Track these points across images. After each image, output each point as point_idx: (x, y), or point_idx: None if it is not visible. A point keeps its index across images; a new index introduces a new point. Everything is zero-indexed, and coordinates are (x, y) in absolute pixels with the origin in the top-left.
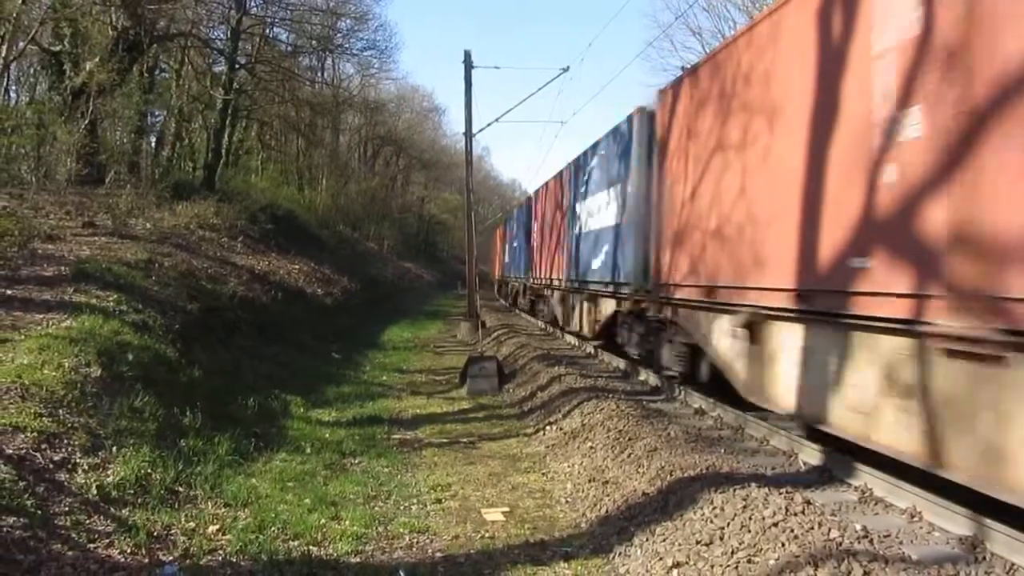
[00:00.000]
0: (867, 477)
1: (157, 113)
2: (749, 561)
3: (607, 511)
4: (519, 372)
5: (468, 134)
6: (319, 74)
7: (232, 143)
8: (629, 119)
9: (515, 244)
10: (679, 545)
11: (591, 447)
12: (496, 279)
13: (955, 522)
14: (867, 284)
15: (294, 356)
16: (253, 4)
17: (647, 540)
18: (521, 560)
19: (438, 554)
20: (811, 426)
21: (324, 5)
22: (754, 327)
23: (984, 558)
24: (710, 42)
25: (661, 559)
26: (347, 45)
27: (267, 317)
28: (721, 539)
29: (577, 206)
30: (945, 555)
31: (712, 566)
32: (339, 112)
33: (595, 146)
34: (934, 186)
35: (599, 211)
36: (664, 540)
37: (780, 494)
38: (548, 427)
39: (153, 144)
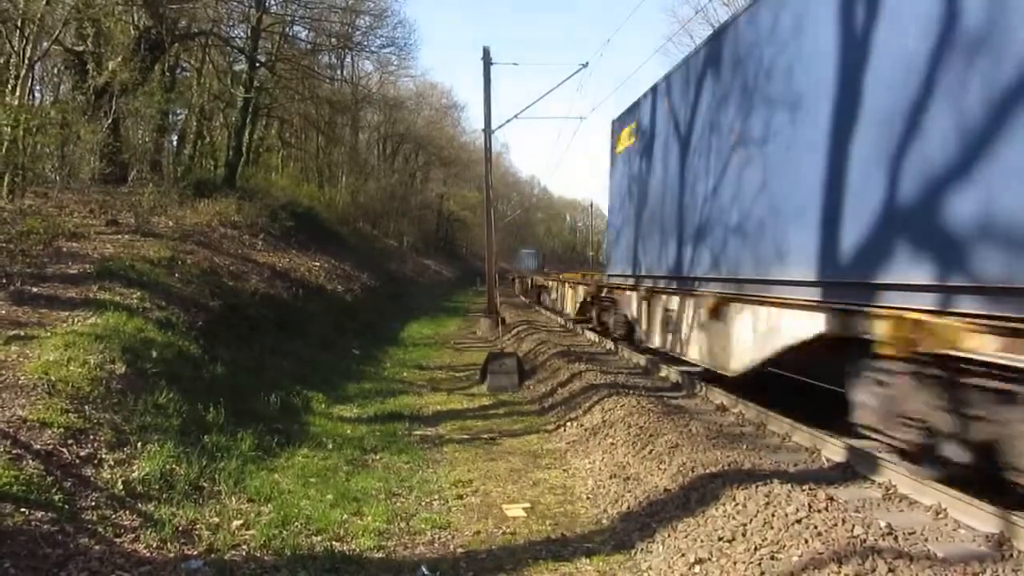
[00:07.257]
0: (891, 474)
1: (179, 112)
2: (772, 558)
3: (629, 507)
4: (539, 368)
5: (487, 130)
6: (338, 72)
7: (253, 141)
8: None
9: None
10: (701, 542)
11: (612, 443)
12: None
13: (981, 519)
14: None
15: (315, 352)
16: (273, 2)
17: (669, 536)
18: (543, 556)
19: (459, 550)
20: None
21: (343, 3)
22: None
23: (1011, 555)
24: None
25: (683, 556)
26: (366, 42)
27: (288, 314)
28: (744, 536)
29: None
30: (971, 552)
31: (735, 563)
32: (358, 109)
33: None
34: None
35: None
36: (686, 537)
37: (803, 491)
38: (569, 423)
39: (175, 142)
